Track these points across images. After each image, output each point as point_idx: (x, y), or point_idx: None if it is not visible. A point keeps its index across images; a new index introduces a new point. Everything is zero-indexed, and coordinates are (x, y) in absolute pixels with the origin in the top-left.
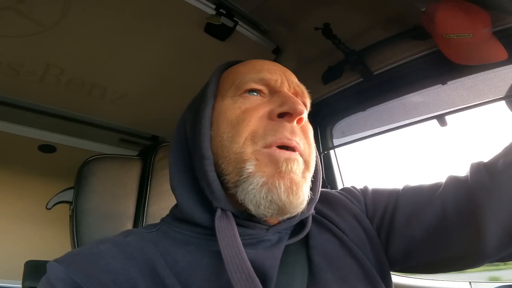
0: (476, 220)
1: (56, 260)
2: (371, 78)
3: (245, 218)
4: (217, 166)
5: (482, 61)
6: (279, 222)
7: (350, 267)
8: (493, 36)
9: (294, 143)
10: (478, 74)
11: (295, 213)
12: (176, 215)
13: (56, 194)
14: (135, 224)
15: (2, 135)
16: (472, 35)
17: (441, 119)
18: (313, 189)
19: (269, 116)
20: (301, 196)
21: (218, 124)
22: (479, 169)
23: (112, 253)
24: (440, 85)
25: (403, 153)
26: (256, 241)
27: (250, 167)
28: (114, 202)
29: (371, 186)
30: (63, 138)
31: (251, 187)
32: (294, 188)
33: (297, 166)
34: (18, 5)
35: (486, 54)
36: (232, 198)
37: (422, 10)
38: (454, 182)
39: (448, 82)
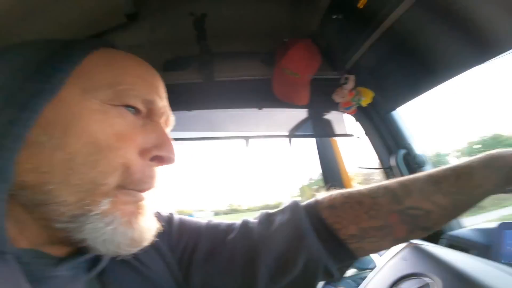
0: (253, 265)
1: None
2: (210, 82)
3: (31, 255)
4: (39, 193)
5: (289, 100)
6: (69, 255)
7: None
8: (309, 82)
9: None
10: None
11: (145, 245)
12: None
13: None
14: None
15: None
16: (299, 75)
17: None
18: None
19: (142, 153)
20: (153, 229)
21: (66, 134)
22: (263, 219)
23: None
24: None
25: None
26: (43, 278)
27: (106, 204)
28: None
29: (177, 215)
30: None
31: (109, 227)
32: (148, 223)
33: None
34: None
35: (296, 95)
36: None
37: (284, 40)
38: (244, 228)
39: (263, 109)
